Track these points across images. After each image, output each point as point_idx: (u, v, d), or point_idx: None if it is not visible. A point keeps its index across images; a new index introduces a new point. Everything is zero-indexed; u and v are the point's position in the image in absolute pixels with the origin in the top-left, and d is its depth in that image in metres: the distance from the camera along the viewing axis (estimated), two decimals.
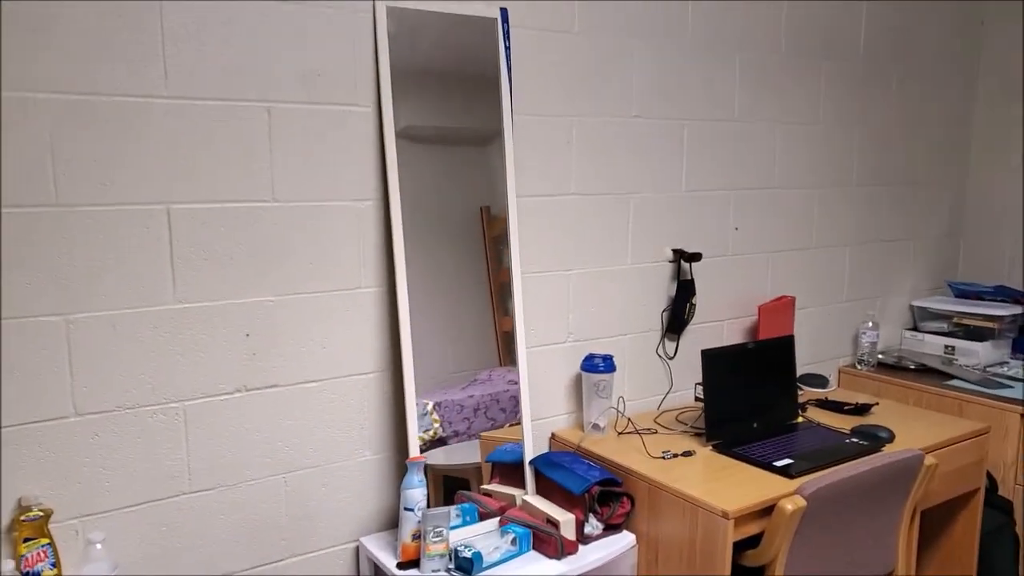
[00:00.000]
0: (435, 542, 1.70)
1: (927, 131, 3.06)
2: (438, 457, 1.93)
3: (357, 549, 1.93)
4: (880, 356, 2.90)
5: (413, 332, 1.87)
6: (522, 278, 2.09)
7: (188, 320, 1.64)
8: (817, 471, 1.89)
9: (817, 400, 2.49)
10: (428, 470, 1.88)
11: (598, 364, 2.15)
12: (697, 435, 2.16)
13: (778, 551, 1.75)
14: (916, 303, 3.09)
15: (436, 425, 1.98)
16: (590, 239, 2.22)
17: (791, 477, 1.86)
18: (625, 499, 1.91)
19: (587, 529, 1.87)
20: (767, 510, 1.75)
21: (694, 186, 2.42)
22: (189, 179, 1.61)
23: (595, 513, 1.89)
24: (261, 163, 1.68)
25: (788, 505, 1.72)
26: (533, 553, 1.83)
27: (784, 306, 2.64)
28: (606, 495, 1.90)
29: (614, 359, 2.19)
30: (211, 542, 1.72)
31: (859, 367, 2.88)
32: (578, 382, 2.25)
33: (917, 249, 3.12)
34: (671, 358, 2.45)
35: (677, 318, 2.39)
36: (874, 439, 2.10)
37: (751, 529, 1.75)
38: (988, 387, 2.61)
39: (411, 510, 1.75)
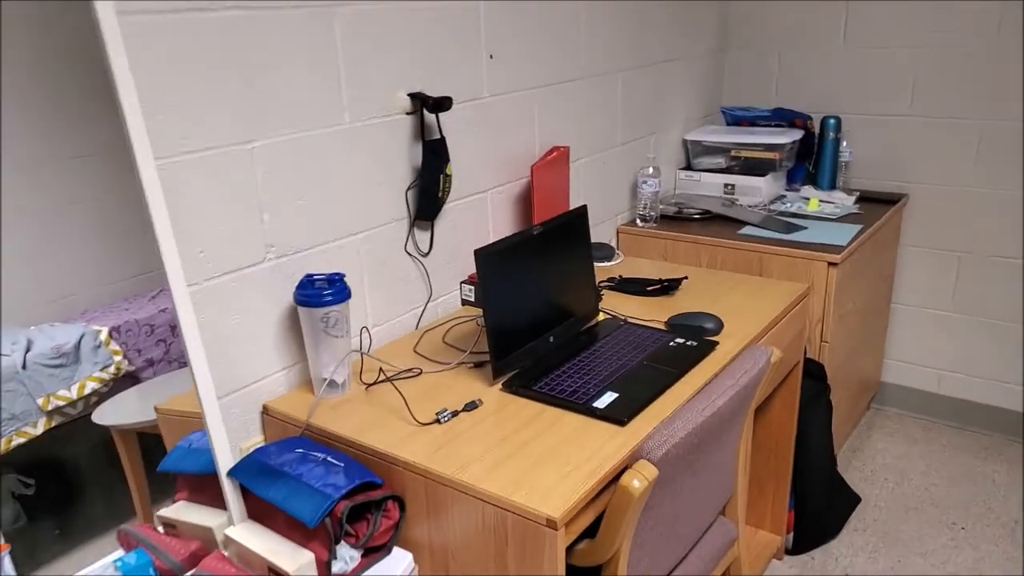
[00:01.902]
0: None
1: None
2: (130, 406, 1.13)
3: None
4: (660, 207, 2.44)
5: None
6: (159, 167, 1.20)
7: None
8: (651, 403, 1.34)
9: (609, 280, 1.95)
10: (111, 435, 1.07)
11: (323, 291, 1.37)
12: (478, 367, 1.52)
13: (622, 542, 1.20)
14: (689, 137, 2.64)
15: (117, 358, 1.16)
16: (276, 86, 1.36)
17: (622, 423, 1.29)
18: (390, 505, 1.23)
19: (336, 567, 1.17)
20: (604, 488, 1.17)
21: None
22: None
23: (348, 537, 1.19)
24: None
25: (634, 481, 1.15)
26: None
27: (559, 160, 2.01)
28: (361, 507, 1.20)
29: (345, 278, 1.42)
30: None
31: (640, 224, 2.40)
32: (295, 319, 1.46)
33: (689, 70, 2.62)
34: (425, 254, 1.74)
35: (428, 197, 1.65)
36: (700, 333, 1.61)
37: (583, 522, 1.17)
38: (780, 231, 2.26)
39: None
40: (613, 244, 2.39)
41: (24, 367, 1.20)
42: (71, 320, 1.22)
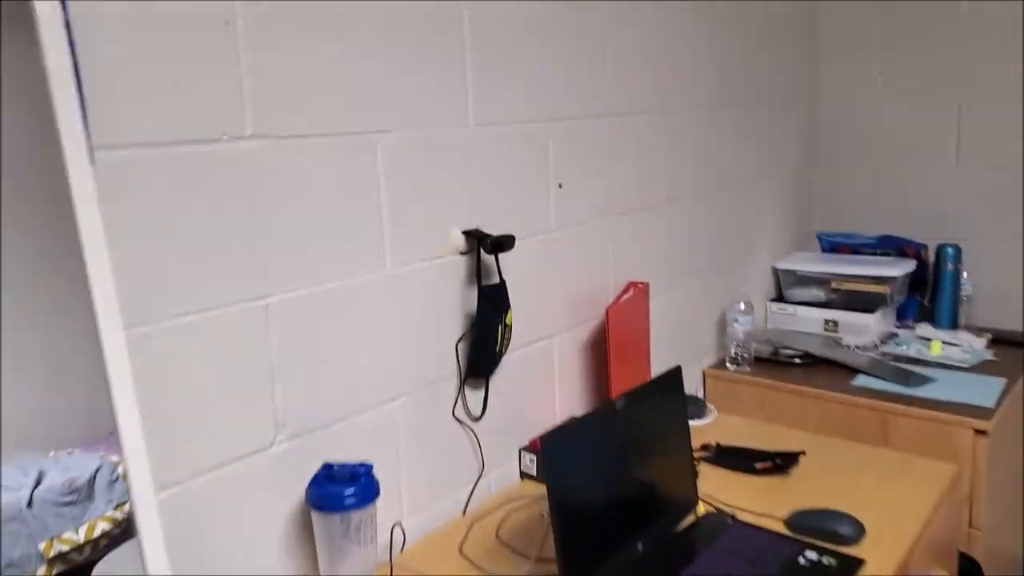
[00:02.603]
0: None
1: (769, 30, 2.24)
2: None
3: None
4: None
5: None
6: (135, 336, 0.92)
7: None
8: None
9: (704, 448, 1.59)
10: None
11: (343, 491, 1.06)
12: None
13: None
14: (781, 265, 2.31)
15: None
16: (300, 229, 1.10)
17: None
18: None
19: None
20: None
21: (488, 117, 1.36)
22: None
23: None
24: None
25: None
26: None
27: (637, 298, 1.70)
28: None
29: (373, 470, 1.11)
30: None
31: (731, 367, 2.05)
32: (306, 518, 1.14)
33: (777, 191, 2.33)
34: (477, 418, 1.42)
35: (483, 351, 1.35)
36: (835, 541, 1.23)
37: None
38: (902, 383, 1.88)
39: None
40: (700, 394, 2.03)
41: (30, 505, 0.99)
42: (92, 447, 1.01)
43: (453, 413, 1.37)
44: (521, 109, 1.41)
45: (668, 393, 1.31)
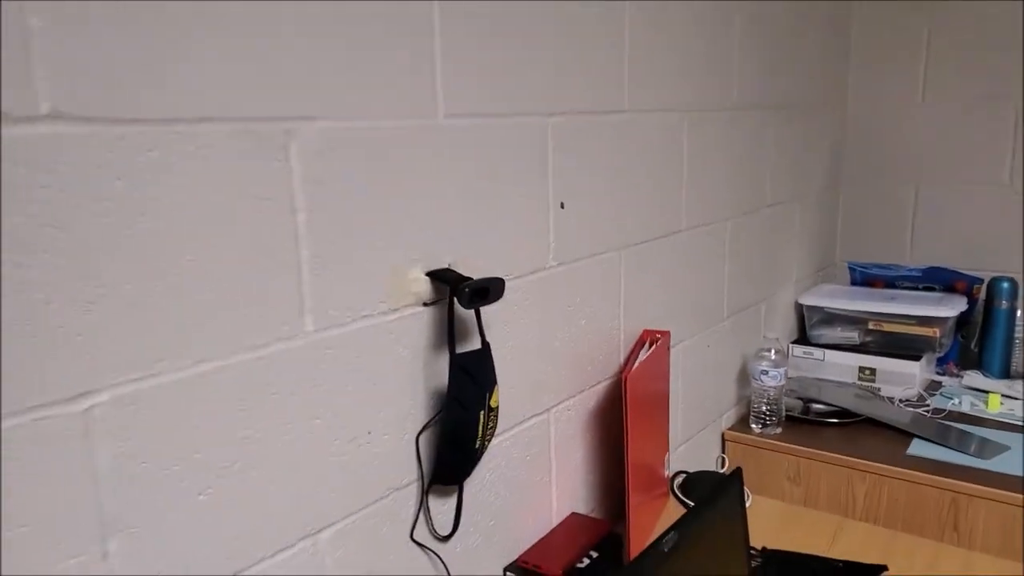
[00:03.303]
0: None
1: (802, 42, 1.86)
2: None
3: None
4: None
5: None
6: None
7: None
8: None
9: (752, 556, 1.18)
10: None
11: None
12: None
13: None
14: (806, 301, 1.93)
15: None
16: (156, 279, 0.66)
17: None
18: None
19: None
20: None
21: (464, 104, 0.94)
22: None
23: None
24: None
25: None
26: None
27: (658, 355, 1.29)
28: None
29: None
30: None
31: (756, 429, 1.66)
32: None
33: (799, 213, 1.95)
34: (446, 537, 0.99)
35: (457, 448, 0.92)
36: None
37: None
38: (979, 453, 1.51)
39: None
40: (721, 465, 1.63)
41: None
42: None
43: (412, 536, 0.94)
44: (513, 95, 1.00)
45: (726, 513, 0.90)
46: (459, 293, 0.86)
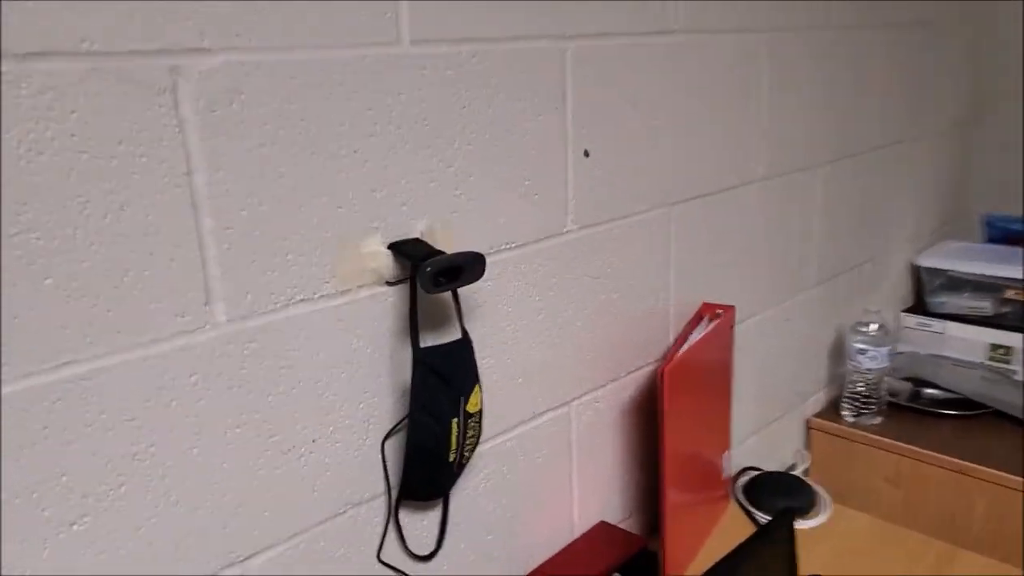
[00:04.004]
0: None
1: None
2: None
3: None
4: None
5: None
6: None
7: None
8: None
9: None
10: None
11: None
12: None
13: None
14: (924, 262, 1.62)
15: None
16: None
17: None
18: None
19: None
20: None
21: (437, 30, 0.74)
22: None
23: None
24: None
25: None
26: None
27: (717, 336, 1.07)
28: None
29: None
30: None
31: (849, 418, 1.40)
32: None
33: (921, 155, 1.62)
34: (427, 557, 0.83)
35: (427, 461, 0.75)
36: None
37: None
38: None
39: None
40: (803, 461, 1.39)
41: None
42: None
43: (379, 557, 0.79)
44: (512, 15, 0.78)
45: (773, 561, 0.69)
46: (420, 274, 0.68)
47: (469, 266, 0.70)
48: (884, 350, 1.34)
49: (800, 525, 1.12)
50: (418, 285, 0.69)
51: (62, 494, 0.57)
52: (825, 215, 1.34)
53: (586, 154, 0.89)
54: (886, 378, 1.40)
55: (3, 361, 0.53)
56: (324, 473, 0.72)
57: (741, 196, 1.14)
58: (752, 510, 1.14)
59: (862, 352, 1.34)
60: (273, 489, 0.69)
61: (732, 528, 1.11)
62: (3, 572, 0.55)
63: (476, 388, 0.75)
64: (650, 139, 0.97)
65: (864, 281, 1.51)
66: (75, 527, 0.58)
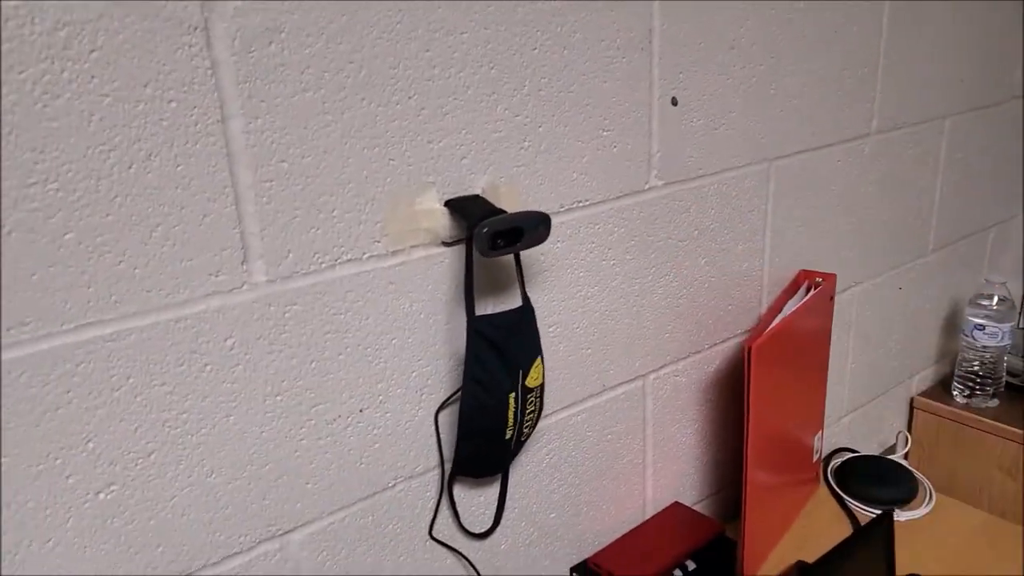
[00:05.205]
0: None
1: None
2: None
3: None
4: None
5: None
6: None
7: None
8: None
9: None
10: None
11: None
12: None
13: None
14: None
15: None
16: None
17: None
18: None
19: None
20: None
21: None
22: None
23: None
24: None
25: None
26: None
27: (817, 305, 0.96)
28: None
29: None
30: None
31: (960, 399, 1.27)
32: None
33: None
34: (483, 535, 0.78)
35: (483, 434, 0.69)
36: None
37: None
38: None
39: None
40: (904, 447, 1.26)
41: None
42: None
43: (431, 533, 0.74)
44: None
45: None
46: (476, 235, 0.61)
47: (531, 228, 0.63)
48: (1006, 326, 1.19)
49: (898, 517, 1.02)
50: (474, 248, 0.62)
51: (88, 460, 0.54)
52: (949, 173, 1.19)
53: (674, 102, 0.79)
54: (1006, 356, 1.26)
55: (23, 321, 0.50)
56: (372, 445, 0.68)
57: (851, 151, 1.01)
58: (844, 495, 1.04)
59: (980, 328, 1.20)
60: (316, 460, 0.65)
61: (818, 515, 1.02)
62: (23, 542, 0.53)
63: (537, 360, 0.68)
64: (748, 86, 0.86)
65: (987, 248, 1.35)
66: (101, 495, 0.55)
